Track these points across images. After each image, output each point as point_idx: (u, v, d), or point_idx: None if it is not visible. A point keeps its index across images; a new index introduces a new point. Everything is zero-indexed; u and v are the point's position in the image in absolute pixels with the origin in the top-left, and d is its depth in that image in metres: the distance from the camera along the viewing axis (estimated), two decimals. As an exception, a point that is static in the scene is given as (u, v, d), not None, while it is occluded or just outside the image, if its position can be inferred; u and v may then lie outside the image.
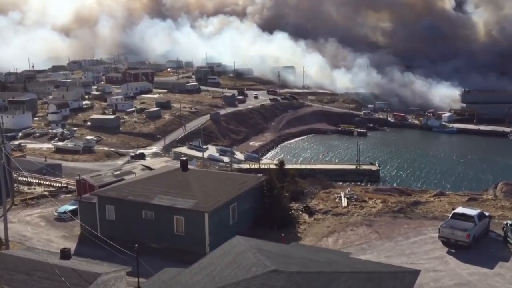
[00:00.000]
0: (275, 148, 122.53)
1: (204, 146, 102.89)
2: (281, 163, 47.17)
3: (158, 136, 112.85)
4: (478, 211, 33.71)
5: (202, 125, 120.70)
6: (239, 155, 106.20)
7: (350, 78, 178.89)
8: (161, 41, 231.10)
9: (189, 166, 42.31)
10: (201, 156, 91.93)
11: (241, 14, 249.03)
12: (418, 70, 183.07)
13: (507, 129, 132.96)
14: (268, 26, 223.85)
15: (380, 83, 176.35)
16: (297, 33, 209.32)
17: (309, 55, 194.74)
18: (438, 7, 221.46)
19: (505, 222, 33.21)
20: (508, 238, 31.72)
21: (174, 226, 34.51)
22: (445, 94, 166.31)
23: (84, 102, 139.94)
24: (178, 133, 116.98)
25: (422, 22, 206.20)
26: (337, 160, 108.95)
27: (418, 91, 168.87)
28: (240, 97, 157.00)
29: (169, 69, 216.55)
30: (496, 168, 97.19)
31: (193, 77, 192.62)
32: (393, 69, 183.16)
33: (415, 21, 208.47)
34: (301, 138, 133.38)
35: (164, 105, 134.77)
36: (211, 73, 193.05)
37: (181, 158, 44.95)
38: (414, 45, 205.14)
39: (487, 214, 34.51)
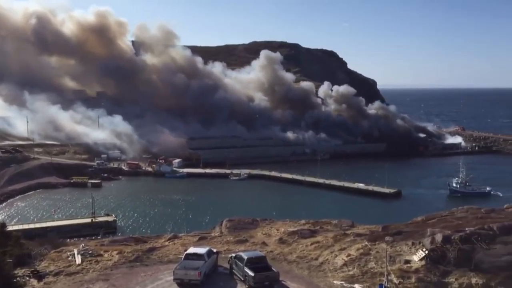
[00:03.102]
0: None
1: None
2: (1, 226, 41.91)
3: None
4: (207, 248, 36.68)
5: None
6: None
7: (32, 120, 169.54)
8: None
9: None
10: None
11: None
12: (110, 112, 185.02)
13: (227, 171, 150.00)
14: None
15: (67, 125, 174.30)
16: None
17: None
18: (118, 51, 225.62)
19: (230, 256, 36.99)
20: (233, 270, 35.33)
21: None
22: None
23: None
24: None
25: (106, 65, 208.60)
26: (71, 215, 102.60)
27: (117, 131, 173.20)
28: None
29: None
30: (221, 206, 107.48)
31: None
32: (78, 108, 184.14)
33: (100, 63, 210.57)
34: (27, 194, 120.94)
35: None
36: None
37: None
38: (102, 86, 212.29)
39: (215, 250, 37.82)
